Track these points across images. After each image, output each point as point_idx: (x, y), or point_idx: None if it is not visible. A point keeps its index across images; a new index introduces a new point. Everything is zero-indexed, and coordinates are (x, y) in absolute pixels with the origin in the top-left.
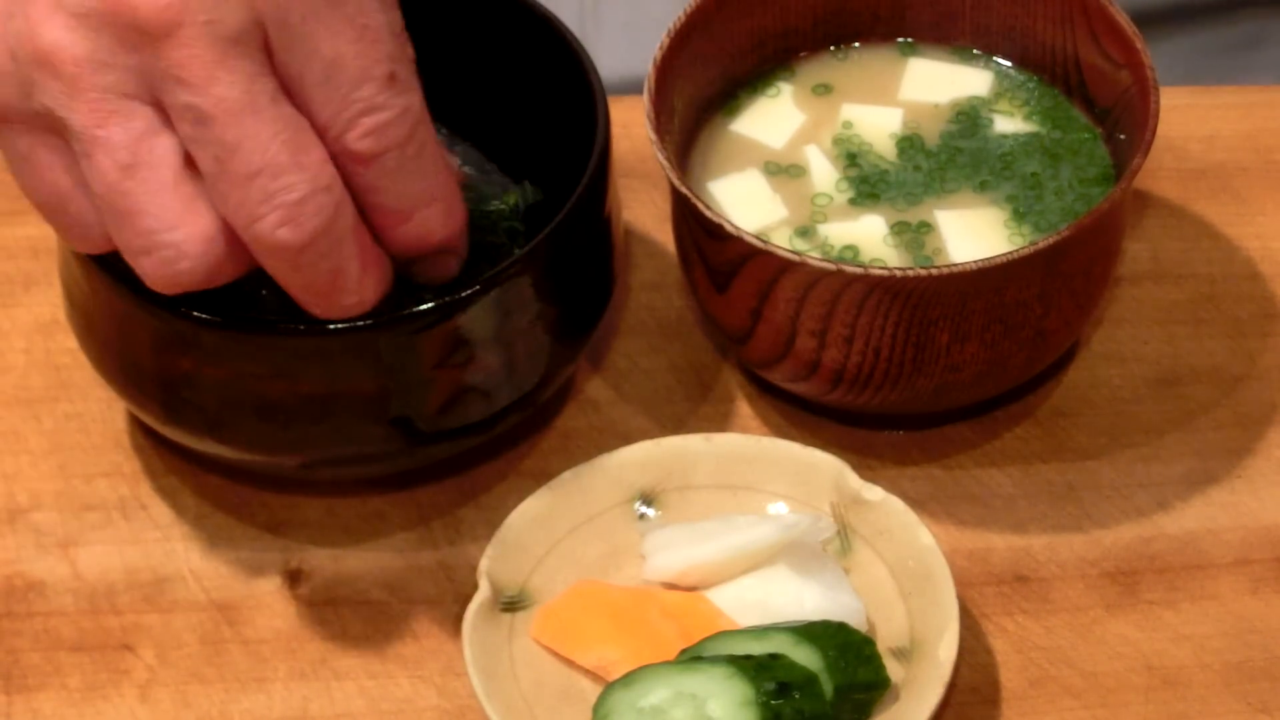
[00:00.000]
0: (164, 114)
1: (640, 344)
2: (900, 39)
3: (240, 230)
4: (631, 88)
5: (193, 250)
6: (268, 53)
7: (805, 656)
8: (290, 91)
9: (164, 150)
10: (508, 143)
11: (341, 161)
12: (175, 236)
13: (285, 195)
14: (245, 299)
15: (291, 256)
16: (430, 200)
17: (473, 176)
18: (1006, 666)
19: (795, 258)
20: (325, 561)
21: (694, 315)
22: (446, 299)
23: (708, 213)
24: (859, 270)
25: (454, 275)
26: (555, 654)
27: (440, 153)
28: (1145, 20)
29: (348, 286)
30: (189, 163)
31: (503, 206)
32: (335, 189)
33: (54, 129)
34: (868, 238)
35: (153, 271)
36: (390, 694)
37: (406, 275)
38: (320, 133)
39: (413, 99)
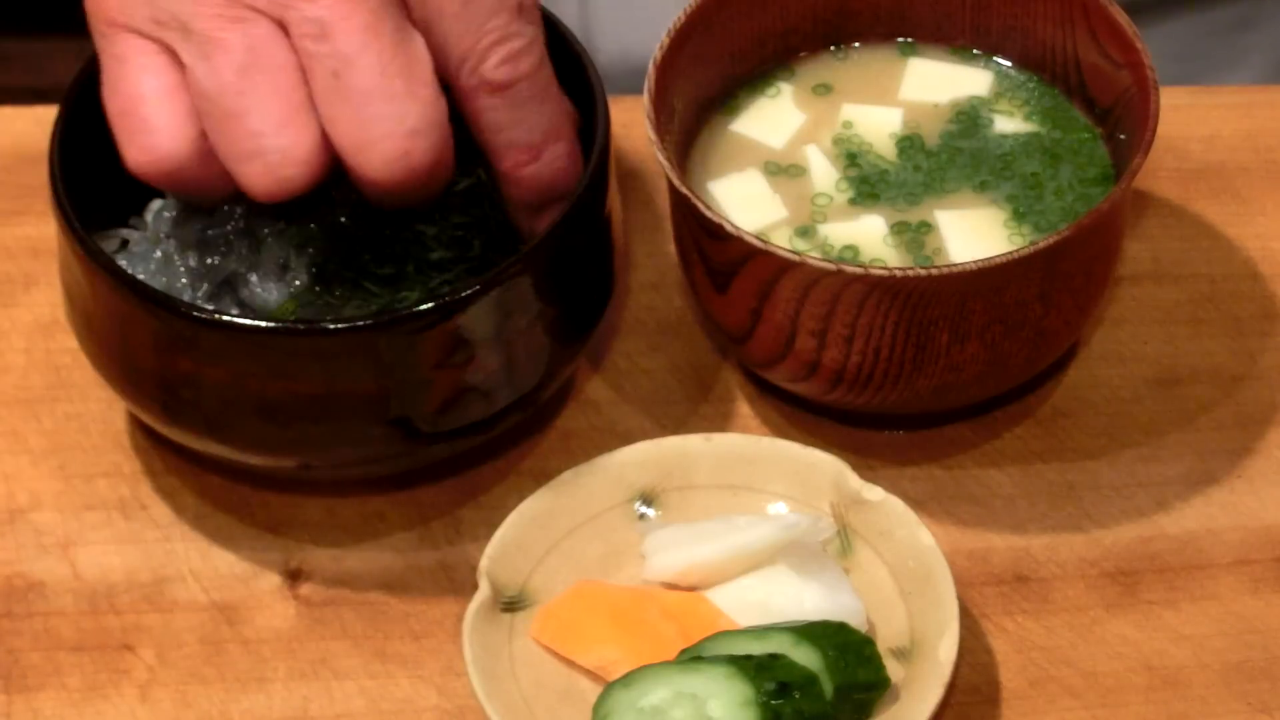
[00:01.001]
0: (286, 31)
1: (640, 344)
2: (900, 39)
3: (346, 154)
4: (630, 76)
5: (299, 156)
6: None
7: (805, 656)
8: (428, 25)
9: (282, 59)
10: None
11: (476, 96)
12: (283, 141)
13: (398, 124)
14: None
15: (393, 189)
16: (558, 136)
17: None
18: (1006, 666)
19: (795, 258)
20: (325, 561)
21: (694, 315)
22: (446, 299)
23: (708, 213)
24: (859, 270)
25: None
26: (555, 654)
27: (562, 92)
28: (1139, 4)
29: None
30: (305, 80)
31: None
32: (445, 125)
33: (164, 41)
34: (868, 238)
35: (256, 177)
36: (390, 694)
37: (526, 230)
38: (458, 64)
39: (539, 30)
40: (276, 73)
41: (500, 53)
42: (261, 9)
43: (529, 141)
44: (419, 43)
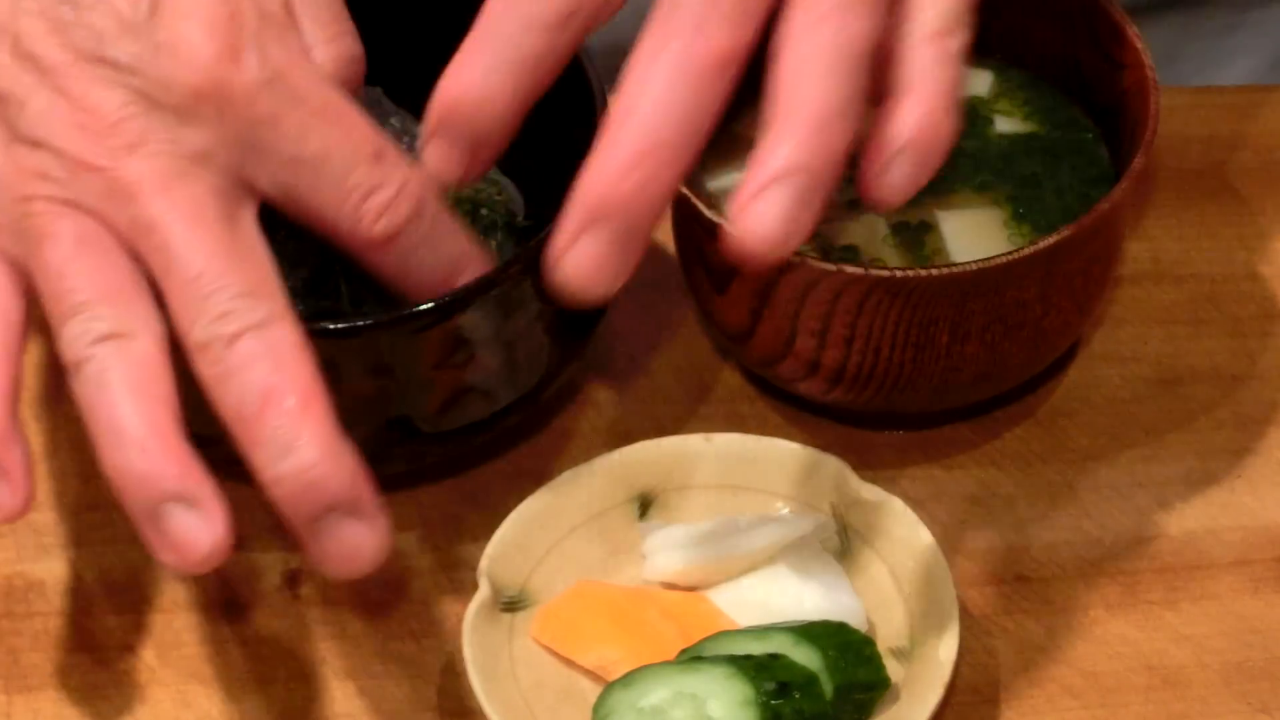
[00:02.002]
0: (113, 228)
1: (640, 344)
2: None
3: (181, 340)
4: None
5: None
6: (238, 176)
7: (805, 656)
8: (287, 192)
9: (110, 245)
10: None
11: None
12: (103, 310)
13: (217, 305)
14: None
15: (221, 378)
16: (465, 264)
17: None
18: (1006, 666)
19: (795, 258)
20: None
21: (694, 315)
22: (446, 299)
23: (708, 213)
24: (859, 270)
25: None
26: (555, 654)
27: (454, 217)
28: (1128, 8)
29: (280, 412)
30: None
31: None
32: (276, 309)
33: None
34: (868, 238)
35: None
36: (390, 694)
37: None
38: (334, 228)
39: (407, 172)
40: (110, 253)
41: (370, 209)
42: (88, 210)
43: (435, 280)
44: (248, 235)
